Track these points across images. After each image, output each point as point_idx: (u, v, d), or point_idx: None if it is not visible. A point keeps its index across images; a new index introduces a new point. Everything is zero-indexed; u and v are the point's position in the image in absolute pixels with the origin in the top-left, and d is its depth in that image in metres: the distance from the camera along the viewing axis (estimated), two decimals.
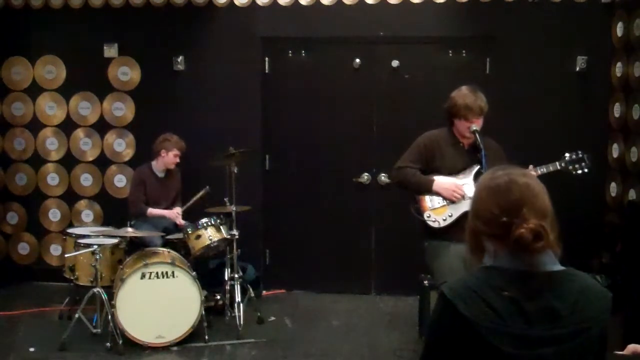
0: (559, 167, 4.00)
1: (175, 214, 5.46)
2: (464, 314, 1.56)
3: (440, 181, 3.91)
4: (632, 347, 2.39)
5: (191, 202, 5.42)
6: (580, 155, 4.05)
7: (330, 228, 6.15)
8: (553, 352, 1.55)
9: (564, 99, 5.80)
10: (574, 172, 4.05)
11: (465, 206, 3.84)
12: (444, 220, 3.90)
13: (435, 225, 3.91)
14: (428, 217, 3.92)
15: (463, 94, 3.90)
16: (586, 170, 4.05)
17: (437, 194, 3.91)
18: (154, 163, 5.58)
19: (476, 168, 3.91)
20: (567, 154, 4.06)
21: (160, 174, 5.60)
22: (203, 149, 5.70)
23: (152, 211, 5.43)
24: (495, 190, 1.66)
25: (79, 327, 4.69)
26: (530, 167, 3.94)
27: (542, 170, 3.93)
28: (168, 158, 5.50)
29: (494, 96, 5.45)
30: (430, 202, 3.94)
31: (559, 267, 1.63)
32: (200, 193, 5.37)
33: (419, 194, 3.96)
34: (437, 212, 3.92)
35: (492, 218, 1.64)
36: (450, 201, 3.90)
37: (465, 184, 3.92)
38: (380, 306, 5.87)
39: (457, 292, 1.60)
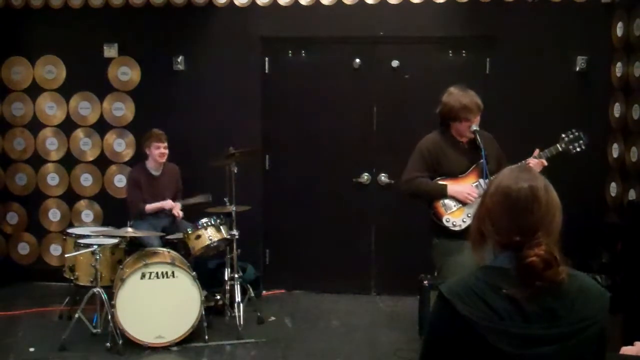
0: (560, 149, 4.02)
1: (172, 204, 5.45)
2: (463, 314, 1.55)
3: (454, 184, 3.91)
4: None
5: (189, 201, 5.41)
6: (577, 133, 4.06)
7: (330, 228, 6.15)
8: (552, 351, 1.54)
9: (564, 99, 5.80)
10: (573, 151, 4.06)
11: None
12: (464, 221, 3.88)
13: (457, 229, 3.88)
14: (447, 221, 3.90)
15: (457, 96, 3.88)
16: (583, 147, 4.05)
17: (452, 197, 3.90)
18: (147, 162, 5.58)
19: (481, 164, 3.90)
20: (563, 135, 4.07)
21: (155, 172, 5.58)
22: (203, 149, 5.70)
23: (150, 206, 5.43)
24: (515, 206, 1.63)
25: (79, 327, 4.69)
26: (537, 151, 3.95)
27: (547, 154, 3.94)
28: (152, 153, 5.49)
29: (494, 96, 5.48)
30: (445, 207, 3.92)
31: None
32: (200, 197, 5.35)
33: (433, 200, 3.95)
34: (454, 215, 3.91)
35: (505, 232, 1.63)
36: (465, 203, 3.90)
37: (476, 183, 3.92)
38: (380, 306, 5.87)
39: (455, 292, 1.59)
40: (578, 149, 4.06)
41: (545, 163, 3.89)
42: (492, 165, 3.87)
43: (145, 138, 5.54)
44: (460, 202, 3.90)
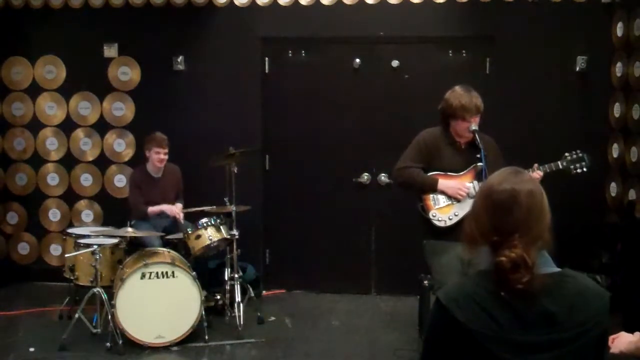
0: (560, 167, 4.02)
1: (176, 210, 5.43)
2: (459, 320, 1.54)
3: (445, 179, 3.91)
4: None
5: (192, 209, 5.40)
6: (580, 155, 4.06)
7: (330, 228, 6.15)
8: (550, 358, 1.53)
9: (564, 99, 5.80)
10: (573, 171, 4.06)
11: (470, 205, 3.83)
12: (450, 219, 3.88)
13: (442, 224, 3.89)
14: (434, 216, 3.91)
15: (458, 95, 3.88)
16: (585, 169, 4.06)
17: (443, 192, 3.90)
18: (147, 165, 5.57)
19: (479, 166, 3.89)
20: (567, 154, 4.08)
21: (156, 175, 5.57)
22: (203, 149, 5.70)
23: (152, 209, 5.42)
24: (495, 207, 1.62)
25: (79, 327, 4.69)
26: (535, 165, 3.94)
27: (545, 169, 3.94)
28: (152, 157, 5.48)
29: (494, 96, 5.48)
30: (434, 201, 3.92)
31: (554, 269, 1.62)
32: (204, 207, 5.34)
33: (424, 193, 3.95)
34: (442, 211, 3.91)
35: (485, 232, 1.63)
36: (455, 200, 3.89)
37: (471, 183, 3.92)
38: (380, 306, 5.87)
39: (452, 298, 1.58)
40: (579, 171, 4.07)
41: (540, 174, 3.87)
42: (489, 167, 3.83)
43: (147, 141, 5.52)
44: (450, 198, 3.90)
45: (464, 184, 3.90)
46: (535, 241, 1.59)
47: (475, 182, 3.91)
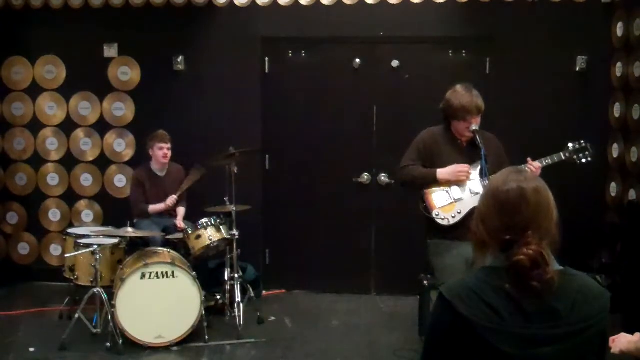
0: (563, 158, 3.97)
1: (171, 201, 5.41)
2: (463, 314, 1.55)
3: (443, 168, 3.90)
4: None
5: (186, 185, 5.40)
6: (584, 145, 4.02)
7: (330, 228, 6.15)
8: (552, 352, 1.54)
9: (564, 99, 5.80)
10: (578, 162, 4.02)
11: (472, 202, 3.81)
12: (453, 217, 3.87)
13: (445, 223, 3.87)
14: (437, 215, 3.89)
15: (459, 95, 3.86)
16: (590, 159, 4.01)
17: (444, 180, 3.87)
18: (151, 163, 5.59)
19: (479, 164, 3.88)
20: (570, 144, 4.02)
21: (160, 173, 5.59)
22: (203, 149, 5.70)
23: (153, 208, 5.44)
24: (503, 205, 1.64)
25: (79, 327, 4.69)
26: (528, 159, 3.89)
27: (547, 161, 3.91)
28: (156, 154, 5.50)
29: (494, 96, 5.48)
30: (437, 200, 3.91)
31: (557, 267, 1.63)
32: (194, 174, 5.33)
33: (426, 186, 3.93)
34: (445, 209, 3.90)
35: (495, 231, 1.64)
36: (457, 185, 3.87)
37: (473, 180, 3.90)
38: (380, 306, 5.87)
39: (455, 293, 1.60)
40: (583, 161, 4.01)
41: (538, 166, 3.83)
42: (492, 166, 3.81)
43: (149, 139, 5.55)
44: (450, 195, 3.88)
45: (462, 165, 3.87)
46: (546, 237, 1.61)
47: (479, 179, 3.89)
